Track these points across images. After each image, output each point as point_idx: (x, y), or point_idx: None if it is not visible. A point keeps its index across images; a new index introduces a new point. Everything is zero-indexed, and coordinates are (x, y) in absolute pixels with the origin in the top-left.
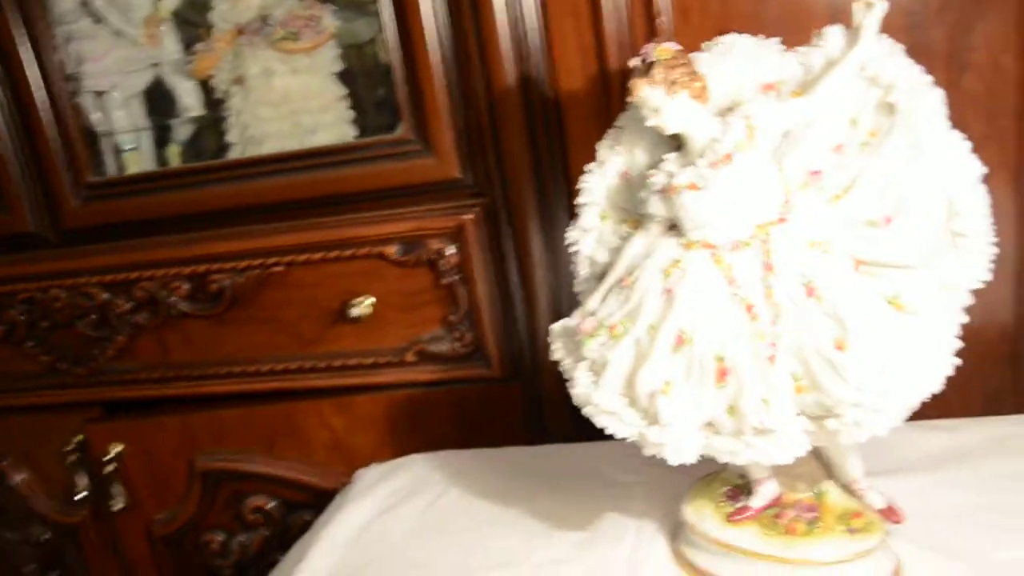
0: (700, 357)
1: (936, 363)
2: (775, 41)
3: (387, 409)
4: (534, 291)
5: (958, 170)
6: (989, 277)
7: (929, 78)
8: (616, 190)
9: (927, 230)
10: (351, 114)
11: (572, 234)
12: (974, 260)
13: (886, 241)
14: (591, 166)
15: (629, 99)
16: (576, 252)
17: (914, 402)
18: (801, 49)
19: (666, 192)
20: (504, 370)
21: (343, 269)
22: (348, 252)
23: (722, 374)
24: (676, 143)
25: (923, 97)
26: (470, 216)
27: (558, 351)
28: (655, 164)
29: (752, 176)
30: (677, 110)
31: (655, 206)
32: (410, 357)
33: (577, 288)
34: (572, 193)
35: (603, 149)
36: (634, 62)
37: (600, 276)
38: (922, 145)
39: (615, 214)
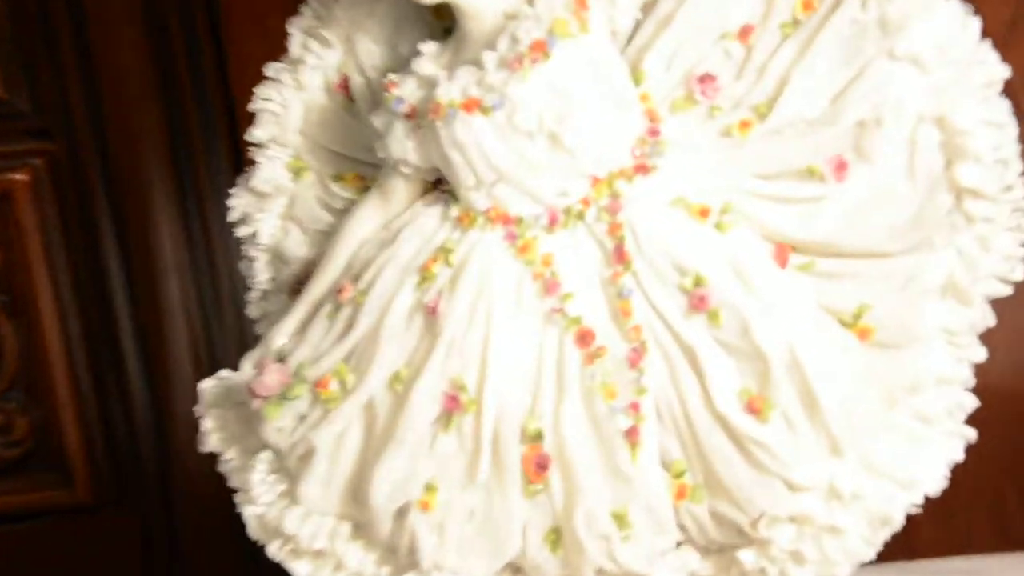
0: (493, 435)
1: (932, 439)
2: None
3: None
4: (162, 324)
5: (968, 83)
6: (1020, 273)
7: None
8: (323, 117)
9: (910, 189)
10: None
11: (237, 204)
12: (994, 244)
13: (836, 206)
14: (273, 70)
15: None
16: (249, 240)
17: (896, 514)
18: None
19: (422, 117)
20: (100, 488)
21: None
22: None
23: (537, 467)
24: (440, 23)
25: None
26: (24, 176)
27: (214, 434)
28: (398, 63)
29: (585, 83)
30: None
31: (399, 145)
32: None
33: (253, 310)
34: (238, 128)
35: (297, 37)
36: None
37: (297, 284)
38: (901, 29)
39: (323, 163)
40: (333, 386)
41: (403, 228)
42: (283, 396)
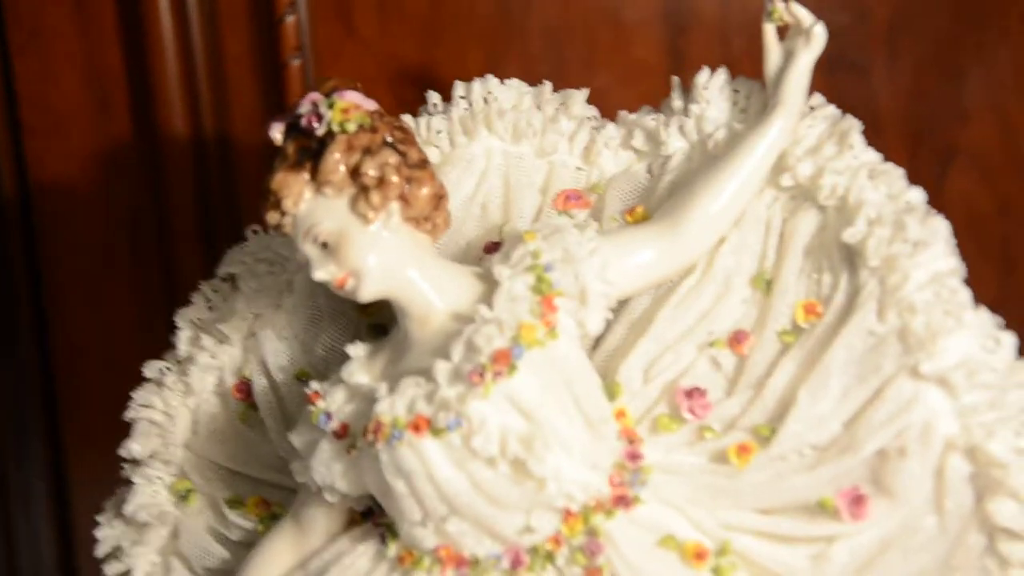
0: None
1: None
2: (582, 96)
3: None
4: None
5: (1003, 409)
6: None
7: (918, 194)
8: (215, 428)
9: (937, 528)
10: None
11: (108, 535)
12: None
13: (853, 547)
14: (155, 370)
15: (270, 221)
16: None
17: None
18: (629, 118)
19: (357, 437)
20: None
21: None
22: None
23: None
24: (365, 320)
25: (918, 237)
26: None
27: None
28: (313, 365)
29: (554, 400)
30: (384, 251)
31: (324, 469)
32: None
33: None
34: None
35: (186, 331)
36: (276, 131)
37: None
38: (926, 345)
39: (215, 484)
40: None
41: (327, 570)
42: None
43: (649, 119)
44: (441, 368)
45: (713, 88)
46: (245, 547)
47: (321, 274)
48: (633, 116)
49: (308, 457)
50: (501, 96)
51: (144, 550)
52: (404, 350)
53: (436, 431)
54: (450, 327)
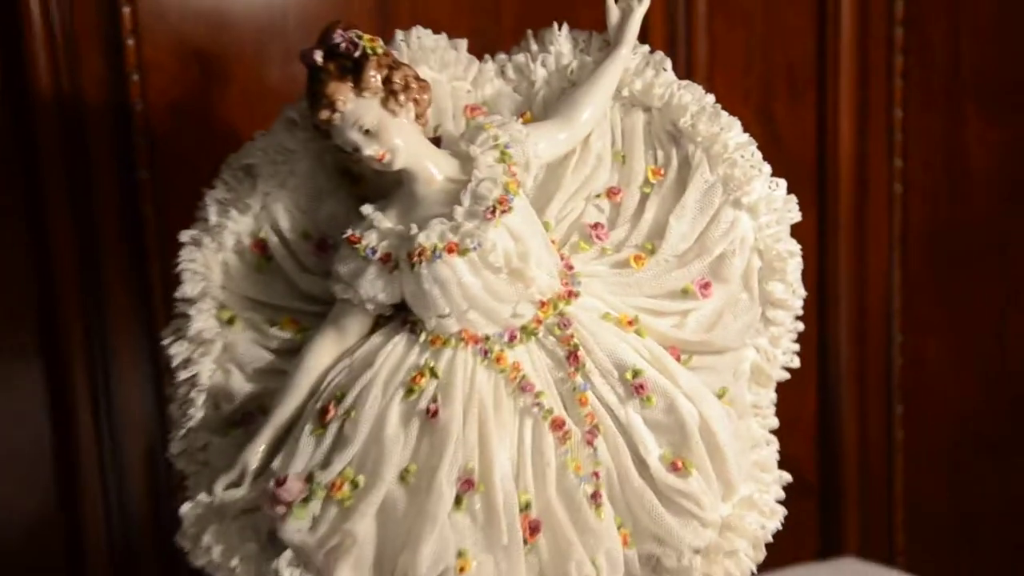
0: (500, 508)
1: (770, 483)
2: (465, 42)
3: None
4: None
5: (783, 224)
6: (796, 362)
7: (711, 98)
8: (242, 273)
9: (748, 300)
10: None
11: (178, 351)
12: (782, 343)
13: (703, 315)
14: (190, 234)
15: (323, 117)
16: (187, 382)
17: (768, 536)
18: (501, 57)
19: (399, 260)
20: None
21: None
22: None
23: (530, 531)
24: (354, 193)
25: (725, 122)
26: None
27: (215, 548)
28: (315, 226)
29: (530, 229)
30: (406, 135)
31: (370, 285)
32: None
33: (178, 445)
34: (171, 276)
35: (213, 206)
36: (318, 56)
37: (237, 416)
38: (743, 186)
39: (252, 312)
40: (346, 487)
41: (376, 353)
42: (306, 500)
43: (518, 57)
44: (459, 211)
45: (563, 35)
46: (286, 352)
47: (368, 152)
48: (504, 56)
49: (353, 280)
50: (424, 39)
51: (207, 359)
52: (413, 205)
53: (462, 251)
54: (449, 186)
